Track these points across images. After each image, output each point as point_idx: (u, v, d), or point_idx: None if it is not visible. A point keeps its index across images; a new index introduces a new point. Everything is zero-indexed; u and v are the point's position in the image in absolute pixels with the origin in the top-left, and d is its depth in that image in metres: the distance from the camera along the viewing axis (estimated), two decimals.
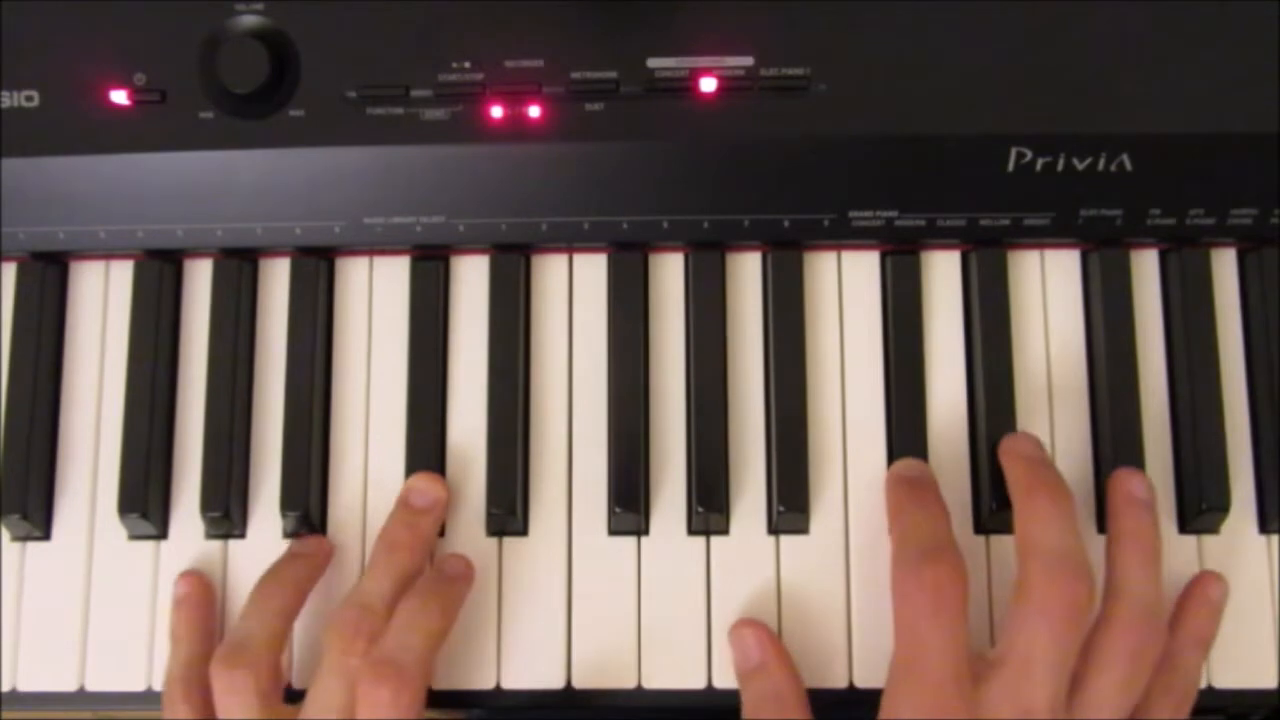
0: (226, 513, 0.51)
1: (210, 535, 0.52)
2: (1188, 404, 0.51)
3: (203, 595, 0.51)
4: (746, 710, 0.48)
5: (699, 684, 0.50)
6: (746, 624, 0.50)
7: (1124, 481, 0.49)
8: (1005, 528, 0.50)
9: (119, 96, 0.50)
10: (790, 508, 0.50)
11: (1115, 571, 0.47)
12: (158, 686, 0.51)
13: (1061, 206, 0.50)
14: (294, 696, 0.50)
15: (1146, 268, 0.53)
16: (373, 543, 0.50)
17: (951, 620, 0.44)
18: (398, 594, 0.48)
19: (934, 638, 0.44)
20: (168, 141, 0.50)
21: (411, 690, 0.45)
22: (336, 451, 0.53)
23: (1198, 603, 0.49)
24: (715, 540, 0.51)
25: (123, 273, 0.54)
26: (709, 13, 0.50)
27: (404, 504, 0.51)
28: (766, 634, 0.49)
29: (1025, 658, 0.44)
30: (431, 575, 0.50)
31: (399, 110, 0.50)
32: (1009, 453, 0.49)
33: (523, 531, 0.52)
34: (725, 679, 0.50)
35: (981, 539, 0.51)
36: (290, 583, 0.50)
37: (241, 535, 0.53)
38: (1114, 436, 0.51)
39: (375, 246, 0.53)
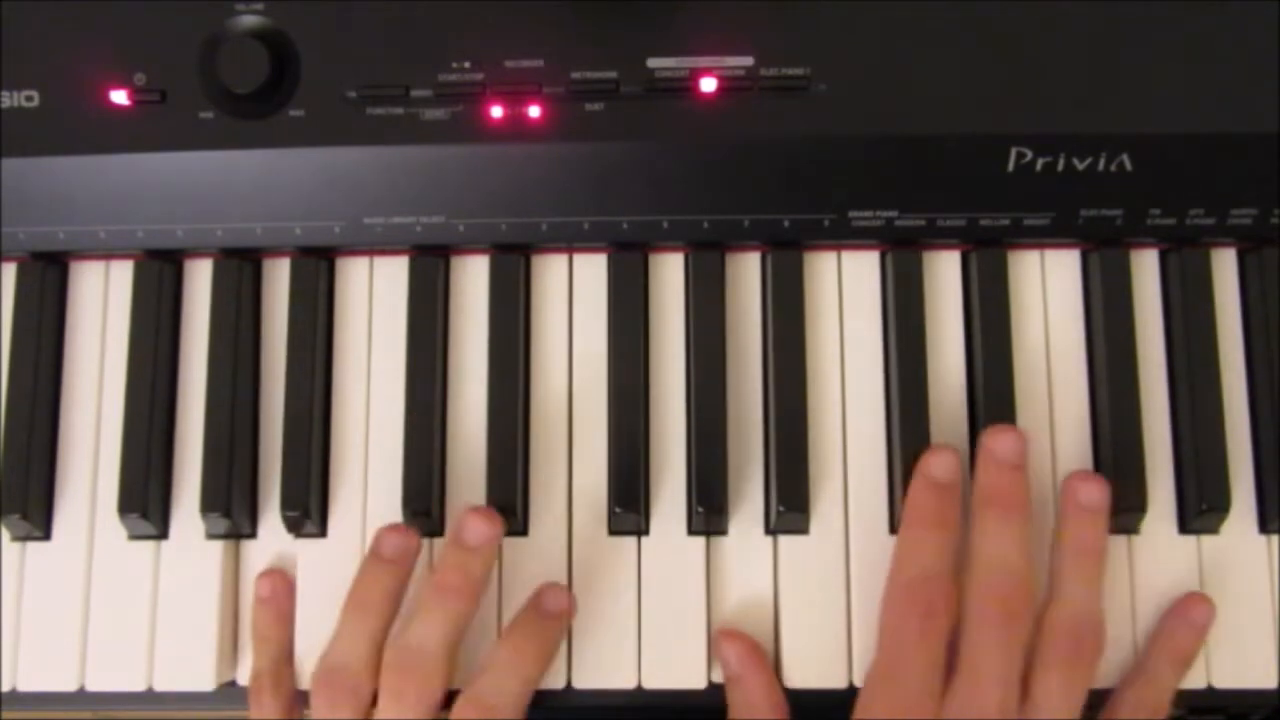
0: (226, 512, 0.51)
1: (210, 535, 0.52)
2: (1188, 404, 0.51)
3: (286, 592, 0.52)
4: (728, 713, 0.50)
5: (699, 684, 0.50)
6: (725, 636, 0.50)
7: (1075, 489, 0.49)
8: None
9: (119, 96, 0.50)
10: (790, 508, 0.50)
11: (1055, 578, 0.49)
12: (158, 686, 0.51)
13: (1061, 206, 0.50)
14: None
15: (1146, 268, 0.53)
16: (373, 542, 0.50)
17: (936, 642, 0.47)
18: (453, 641, 0.48)
19: (918, 655, 0.46)
20: (168, 141, 0.50)
21: None
22: (337, 451, 0.53)
23: (1180, 621, 0.50)
24: (715, 540, 0.51)
25: (123, 273, 0.54)
26: (709, 13, 0.50)
27: (456, 542, 0.49)
28: (744, 646, 0.50)
29: (973, 666, 0.46)
30: (530, 614, 0.50)
31: (399, 110, 0.50)
32: (984, 450, 0.50)
33: (523, 531, 0.52)
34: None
35: None
36: (376, 604, 0.49)
37: (251, 535, 0.53)
38: (1114, 436, 0.51)
39: (375, 246, 0.53)
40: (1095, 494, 0.49)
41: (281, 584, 0.52)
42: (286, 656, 0.51)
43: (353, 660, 0.48)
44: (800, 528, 0.51)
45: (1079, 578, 0.48)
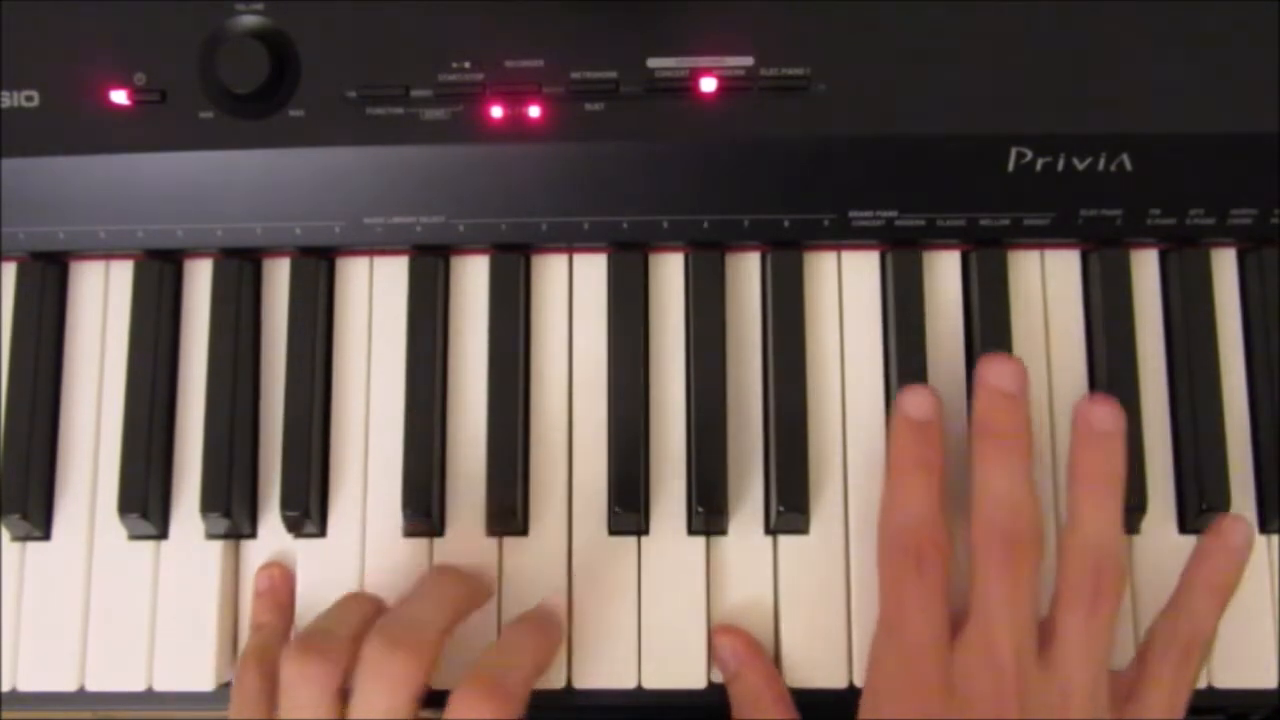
0: (226, 512, 0.51)
1: (210, 535, 0.52)
2: (1188, 404, 0.51)
3: (285, 584, 0.51)
4: (732, 713, 0.49)
5: (699, 684, 0.50)
6: (721, 632, 0.50)
7: (1086, 413, 0.47)
8: None
9: (119, 96, 0.50)
10: (790, 508, 0.50)
11: (1070, 508, 0.47)
12: (158, 686, 0.51)
13: (1061, 206, 0.50)
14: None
15: (1146, 268, 0.53)
16: (372, 542, 0.51)
17: (934, 587, 0.45)
18: (450, 624, 0.47)
19: (917, 605, 0.45)
20: (168, 141, 0.50)
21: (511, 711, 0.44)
22: (337, 451, 0.53)
23: (1212, 546, 0.48)
24: (715, 540, 0.51)
25: (123, 273, 0.54)
26: (709, 13, 0.50)
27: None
28: (741, 641, 0.50)
29: (982, 610, 0.45)
30: (535, 610, 0.50)
31: (399, 110, 0.50)
32: (980, 380, 0.48)
33: (523, 531, 0.52)
34: None
35: None
36: (371, 596, 0.49)
37: (251, 535, 0.53)
38: None
39: (375, 246, 0.53)
40: (1107, 417, 0.47)
41: (280, 577, 0.52)
42: (280, 642, 0.49)
43: (338, 628, 0.46)
44: (800, 528, 0.51)
45: (1094, 506, 0.46)
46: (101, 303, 0.54)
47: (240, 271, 0.53)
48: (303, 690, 0.44)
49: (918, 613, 0.45)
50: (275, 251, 0.54)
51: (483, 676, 0.44)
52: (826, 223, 0.51)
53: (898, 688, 0.45)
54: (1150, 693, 0.46)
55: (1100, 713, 0.44)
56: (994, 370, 0.48)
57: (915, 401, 0.48)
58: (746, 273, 0.53)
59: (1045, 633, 0.45)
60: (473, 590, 0.49)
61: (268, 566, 0.52)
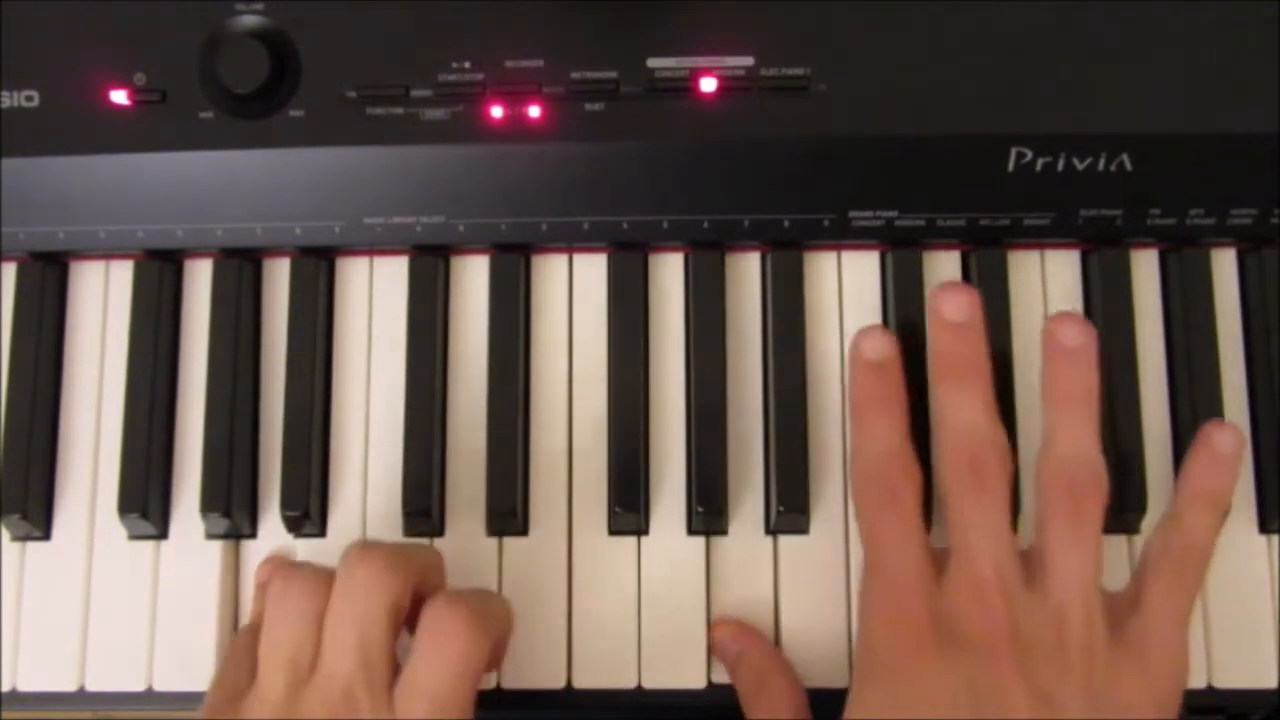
0: (226, 512, 0.51)
1: (210, 535, 0.52)
2: (1188, 404, 0.51)
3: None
4: (741, 701, 0.49)
5: (699, 684, 0.50)
6: (718, 625, 0.50)
7: (1054, 331, 0.47)
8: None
9: (119, 96, 0.50)
10: (790, 508, 0.50)
11: (1044, 428, 0.46)
12: (158, 686, 0.51)
13: (1061, 206, 0.50)
14: None
15: (1146, 268, 0.53)
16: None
17: (906, 516, 0.45)
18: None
19: (893, 539, 0.45)
20: (168, 141, 0.50)
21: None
22: (337, 451, 0.53)
23: (1201, 453, 0.47)
24: (715, 540, 0.51)
25: (123, 273, 0.54)
26: (709, 13, 0.50)
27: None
28: (736, 625, 0.50)
29: (960, 538, 0.45)
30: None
31: (399, 110, 0.50)
32: (931, 312, 0.48)
33: (523, 531, 0.52)
34: (725, 678, 0.50)
35: None
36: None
37: (252, 535, 0.53)
38: (1114, 436, 0.50)
39: (375, 246, 0.53)
40: (1074, 332, 0.47)
41: (281, 565, 0.51)
42: None
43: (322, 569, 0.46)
44: (800, 528, 0.51)
45: (1065, 422, 0.46)
46: (101, 303, 0.54)
47: (240, 271, 0.53)
48: (283, 605, 0.45)
49: (896, 549, 0.45)
50: (275, 251, 0.54)
51: (468, 605, 0.44)
52: (826, 223, 0.51)
53: (887, 631, 0.44)
54: (1147, 607, 0.45)
55: (1095, 631, 0.43)
56: (945, 302, 0.48)
57: (870, 343, 0.48)
58: (746, 273, 0.53)
59: (1034, 559, 0.45)
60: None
61: (269, 560, 0.52)
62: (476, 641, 0.43)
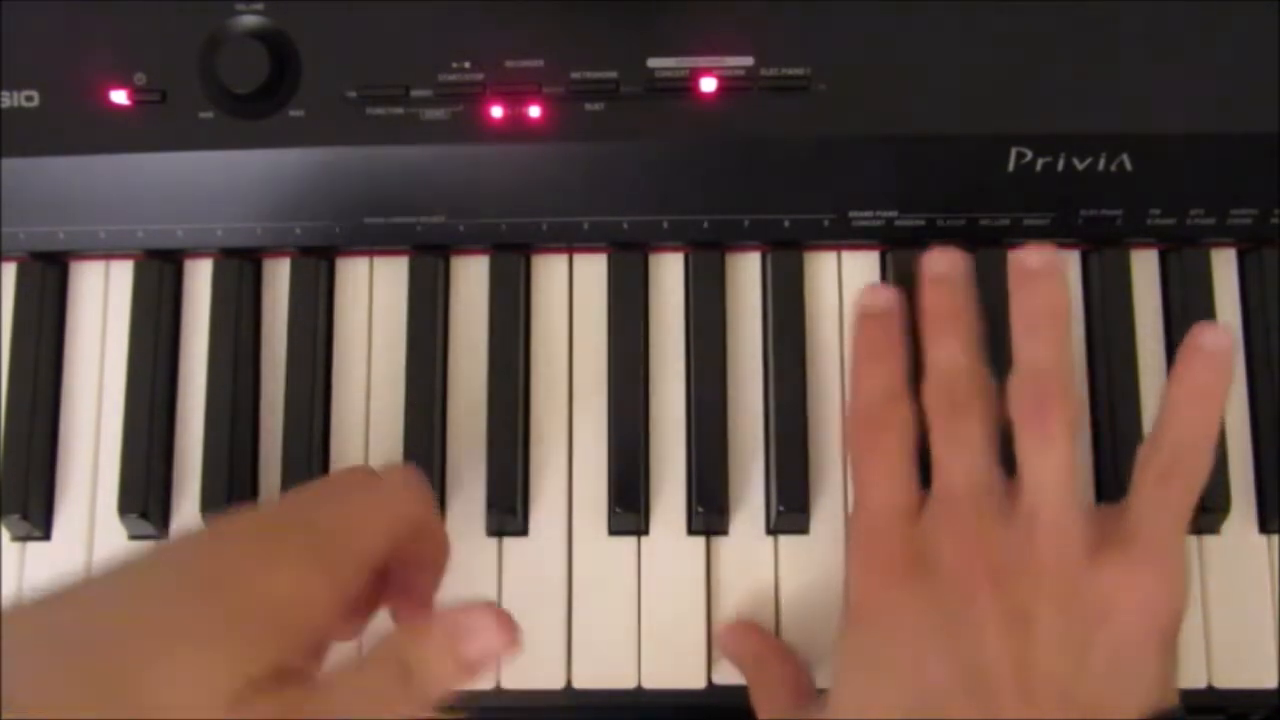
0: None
1: None
2: None
3: None
4: (751, 694, 0.49)
5: (699, 684, 0.50)
6: (722, 630, 0.50)
7: (1015, 259, 0.48)
8: None
9: (119, 96, 0.50)
10: (790, 508, 0.50)
11: (1013, 350, 0.47)
12: None
13: (1061, 206, 0.50)
14: None
15: (1146, 268, 0.53)
16: None
17: (891, 454, 0.46)
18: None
19: (876, 470, 0.46)
20: (168, 141, 0.50)
21: None
22: (337, 451, 0.53)
23: (1186, 353, 0.46)
24: (715, 540, 0.51)
25: (123, 273, 0.54)
26: (709, 13, 0.50)
27: None
28: (738, 625, 0.50)
29: (941, 473, 0.45)
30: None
31: (399, 110, 0.50)
32: (921, 275, 0.49)
33: (523, 531, 0.52)
34: (725, 678, 0.50)
35: None
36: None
37: None
38: (1114, 436, 0.51)
39: (375, 246, 0.53)
40: (1034, 256, 0.47)
41: None
42: None
43: None
44: (800, 528, 0.51)
45: (1029, 341, 0.46)
46: (101, 303, 0.54)
47: (240, 271, 0.53)
48: None
49: (878, 489, 0.46)
50: (275, 251, 0.54)
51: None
52: (826, 223, 0.51)
53: (861, 570, 0.45)
54: (1133, 506, 0.44)
55: (1069, 537, 0.42)
56: (930, 260, 0.49)
57: (872, 295, 0.50)
58: (746, 273, 0.53)
59: (1013, 485, 0.44)
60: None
61: None
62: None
